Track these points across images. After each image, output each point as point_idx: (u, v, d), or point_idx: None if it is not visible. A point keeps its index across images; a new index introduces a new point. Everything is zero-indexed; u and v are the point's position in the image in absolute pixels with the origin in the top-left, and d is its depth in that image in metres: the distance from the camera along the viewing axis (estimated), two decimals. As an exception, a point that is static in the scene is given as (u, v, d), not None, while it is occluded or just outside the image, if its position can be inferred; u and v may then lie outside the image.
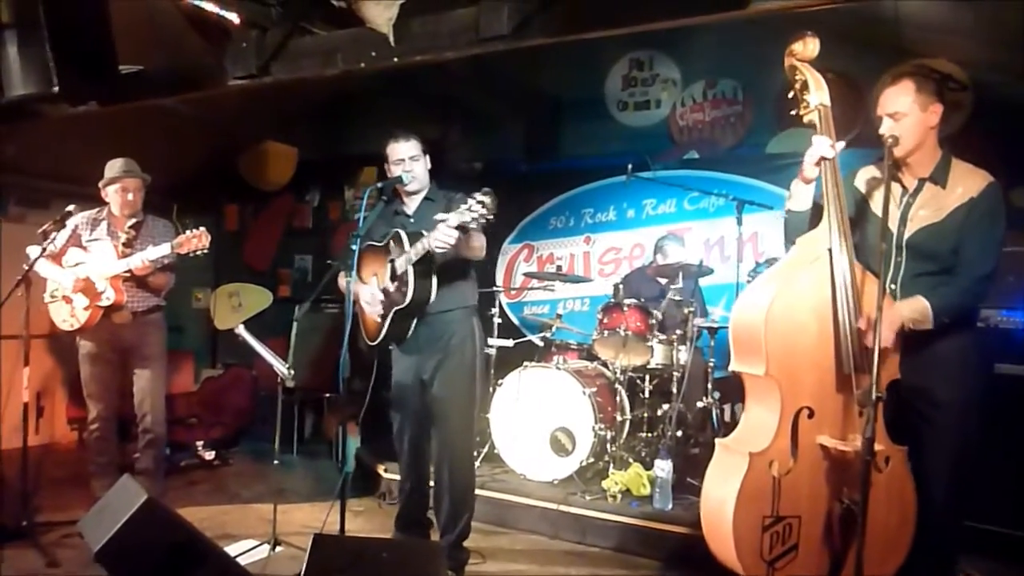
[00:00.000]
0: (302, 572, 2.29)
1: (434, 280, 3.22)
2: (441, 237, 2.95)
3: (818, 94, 2.61)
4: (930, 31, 4.40)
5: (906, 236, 2.55)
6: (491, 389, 4.59)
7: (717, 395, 4.59)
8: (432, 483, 3.53)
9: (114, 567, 2.66)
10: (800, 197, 2.67)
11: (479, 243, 3.17)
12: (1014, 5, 3.61)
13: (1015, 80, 4.45)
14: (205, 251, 3.83)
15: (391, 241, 3.27)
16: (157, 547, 2.67)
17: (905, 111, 2.51)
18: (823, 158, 2.53)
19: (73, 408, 6.18)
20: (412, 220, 3.35)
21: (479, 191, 2.89)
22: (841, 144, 2.56)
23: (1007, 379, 3.47)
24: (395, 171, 3.32)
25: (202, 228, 3.83)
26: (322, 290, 6.74)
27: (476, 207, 2.84)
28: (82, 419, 6.12)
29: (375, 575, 2.34)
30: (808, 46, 2.62)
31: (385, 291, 3.29)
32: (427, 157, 3.39)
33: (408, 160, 3.30)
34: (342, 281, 3.21)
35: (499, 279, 6.09)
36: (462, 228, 2.91)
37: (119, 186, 3.98)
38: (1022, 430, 3.38)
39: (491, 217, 2.87)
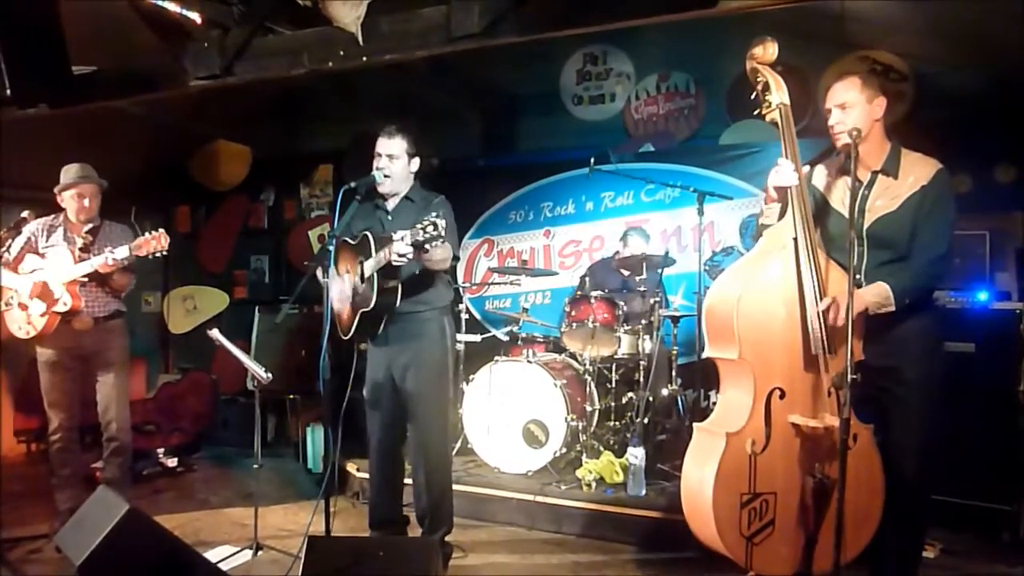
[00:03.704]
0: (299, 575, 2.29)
1: (399, 285, 3.24)
2: (397, 252, 2.98)
3: (779, 94, 2.72)
4: (872, 25, 4.60)
5: (865, 227, 2.67)
6: (463, 384, 4.62)
7: (679, 382, 4.72)
8: (409, 480, 3.56)
9: (98, 579, 2.62)
10: (772, 214, 2.79)
11: (440, 256, 3.17)
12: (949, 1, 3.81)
13: (952, 70, 4.69)
14: (164, 253, 3.75)
15: (362, 242, 3.28)
16: (142, 558, 2.65)
17: (852, 102, 2.64)
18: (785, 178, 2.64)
19: (20, 419, 5.97)
20: (391, 218, 3.37)
21: (435, 213, 2.93)
22: (806, 168, 2.66)
23: (954, 356, 3.67)
24: (376, 164, 3.31)
25: (161, 230, 3.75)
26: (286, 291, 6.70)
27: (429, 229, 2.86)
28: (29, 431, 5.96)
29: (374, 574, 2.36)
30: (768, 50, 2.74)
31: (354, 291, 3.31)
32: (413, 159, 3.38)
33: (385, 157, 3.29)
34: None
35: (460, 275, 6.12)
36: (417, 245, 2.93)
37: (75, 192, 3.88)
38: (968, 406, 3.60)
39: (442, 238, 2.90)
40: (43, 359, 3.90)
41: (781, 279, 2.65)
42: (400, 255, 2.98)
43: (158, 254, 3.73)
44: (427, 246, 2.91)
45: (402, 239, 2.93)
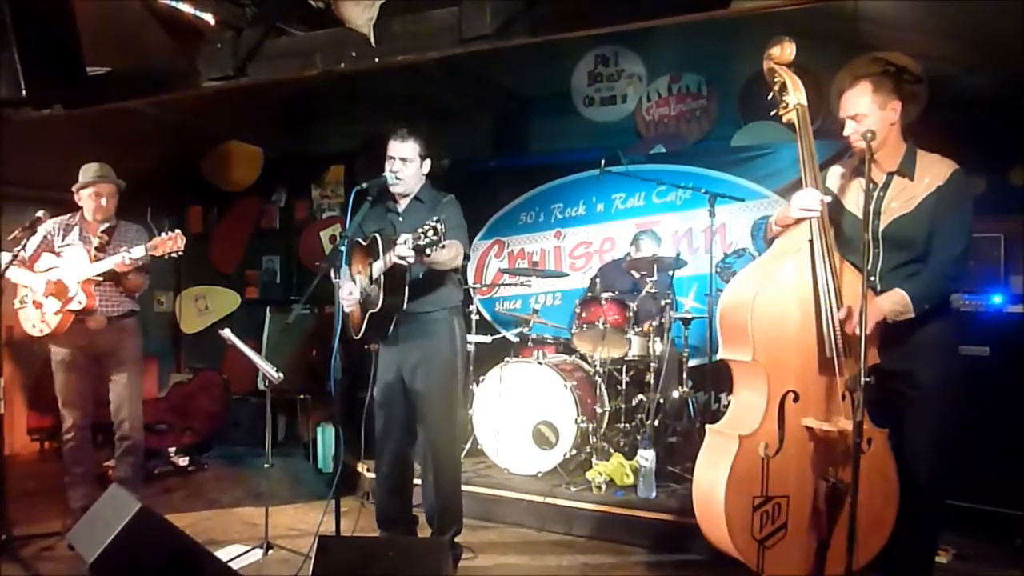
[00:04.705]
0: (309, 575, 2.29)
1: (406, 287, 3.24)
2: (398, 255, 2.98)
3: (796, 95, 2.70)
4: (886, 26, 4.57)
5: (881, 229, 2.65)
6: (473, 385, 4.62)
7: (690, 384, 4.70)
8: (419, 481, 3.57)
9: (110, 578, 2.63)
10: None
11: (445, 258, 3.17)
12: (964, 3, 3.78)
13: (967, 72, 4.65)
14: (180, 253, 3.77)
15: (372, 243, 3.29)
16: (153, 556, 2.67)
17: (865, 112, 2.61)
18: (808, 210, 2.59)
19: (34, 418, 6.01)
20: (401, 219, 3.37)
21: (436, 217, 2.93)
22: (824, 200, 2.63)
23: (969, 360, 3.64)
24: (388, 167, 3.33)
25: (177, 231, 3.78)
26: (297, 291, 6.73)
27: (429, 233, 2.86)
28: (43, 429, 6.01)
29: (384, 574, 2.36)
30: (786, 50, 2.71)
31: (364, 292, 3.33)
32: (425, 162, 3.38)
33: (399, 160, 3.30)
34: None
35: (471, 276, 6.12)
36: (418, 249, 2.93)
37: (93, 191, 3.92)
38: (982, 410, 3.55)
39: (440, 242, 2.89)
40: (57, 358, 3.93)
41: (796, 281, 2.63)
42: (401, 258, 2.98)
43: (174, 255, 3.75)
44: (427, 250, 2.91)
45: (404, 243, 2.94)
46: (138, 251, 3.73)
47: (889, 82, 2.68)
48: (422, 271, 3.25)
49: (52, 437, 5.85)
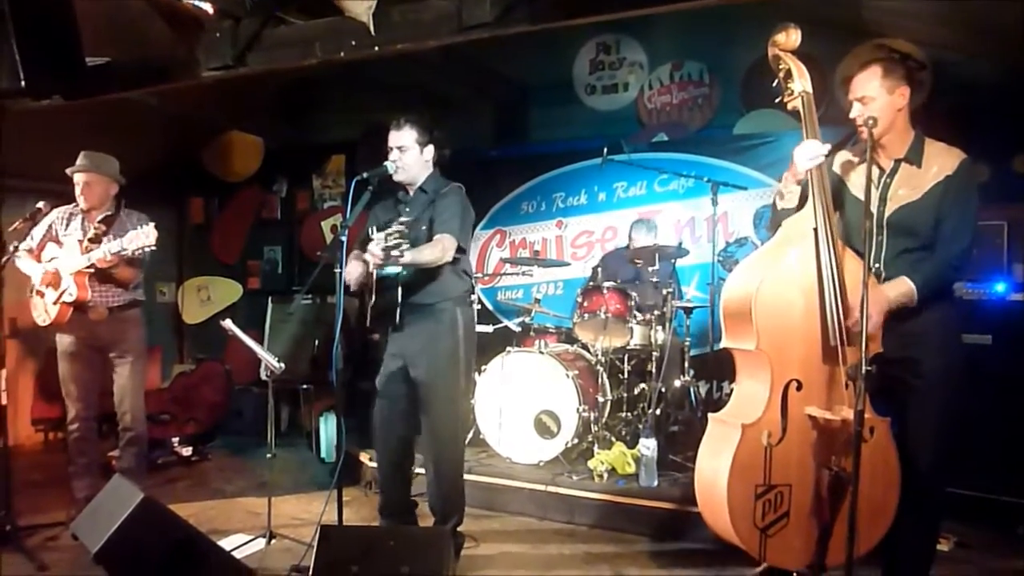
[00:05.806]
0: (312, 564, 2.30)
1: (398, 282, 3.25)
2: (371, 253, 2.98)
3: (801, 81, 2.69)
4: (889, 13, 4.53)
5: (887, 215, 2.63)
6: (475, 374, 4.62)
7: (692, 373, 4.70)
8: (420, 470, 3.57)
9: (114, 567, 2.65)
10: (791, 196, 2.74)
11: (426, 258, 3.14)
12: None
13: (970, 60, 4.62)
14: (152, 248, 3.64)
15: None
16: (157, 546, 2.68)
17: (873, 95, 2.59)
18: (814, 159, 2.60)
19: (39, 408, 6.04)
20: (408, 209, 3.35)
21: (401, 220, 2.96)
22: (827, 147, 2.62)
23: (971, 348, 3.63)
24: (389, 156, 3.31)
25: (151, 224, 3.66)
26: (299, 281, 6.76)
27: (391, 238, 2.87)
28: (48, 420, 6.03)
29: (386, 563, 2.37)
30: (791, 36, 2.69)
31: (366, 284, 3.33)
32: (426, 147, 3.35)
33: (396, 149, 3.29)
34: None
35: (472, 265, 6.10)
36: (385, 252, 2.91)
37: (76, 178, 3.91)
38: (985, 398, 3.55)
39: (405, 244, 2.89)
40: (61, 348, 3.94)
41: (800, 269, 2.62)
42: (375, 259, 2.98)
43: (147, 249, 3.63)
44: (393, 253, 2.90)
45: (376, 243, 2.93)
46: (115, 245, 3.64)
47: (899, 68, 2.65)
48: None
49: (57, 427, 5.87)
